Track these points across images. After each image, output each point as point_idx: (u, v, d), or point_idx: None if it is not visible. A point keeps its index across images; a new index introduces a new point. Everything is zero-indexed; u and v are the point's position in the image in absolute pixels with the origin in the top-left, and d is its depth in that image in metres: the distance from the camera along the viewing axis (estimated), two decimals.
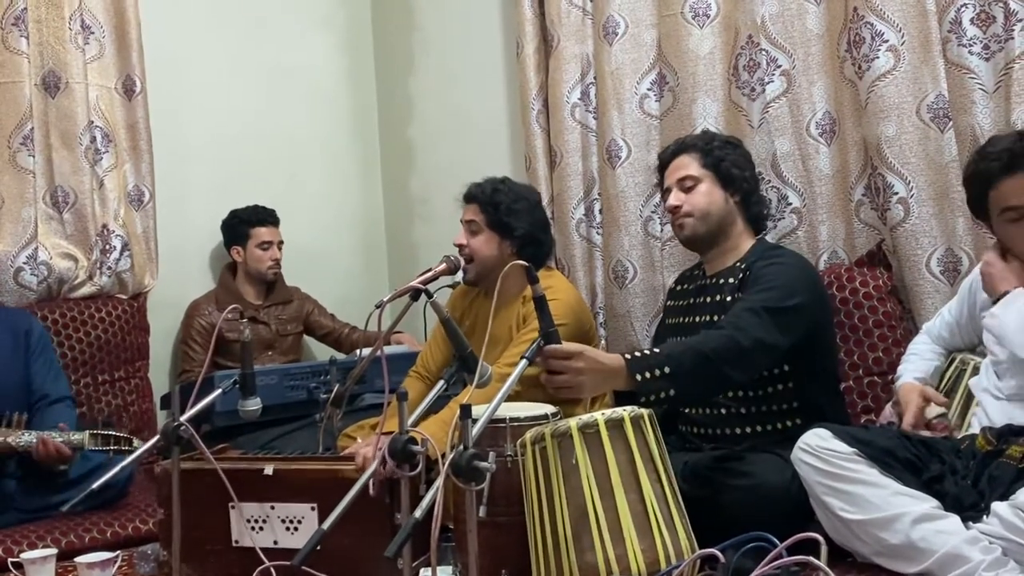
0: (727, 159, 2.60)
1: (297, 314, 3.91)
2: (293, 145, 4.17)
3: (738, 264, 2.56)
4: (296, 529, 2.34)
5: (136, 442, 2.78)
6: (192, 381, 2.71)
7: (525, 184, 3.12)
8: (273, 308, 3.84)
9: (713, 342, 2.23)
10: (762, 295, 2.36)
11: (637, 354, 2.17)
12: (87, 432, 2.74)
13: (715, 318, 2.48)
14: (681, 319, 2.67)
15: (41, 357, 2.98)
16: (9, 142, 3.31)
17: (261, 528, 2.37)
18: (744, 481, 2.22)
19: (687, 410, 2.59)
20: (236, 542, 2.40)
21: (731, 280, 2.54)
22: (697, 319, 2.59)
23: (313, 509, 2.33)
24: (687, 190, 2.61)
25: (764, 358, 2.31)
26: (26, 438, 2.70)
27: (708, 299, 2.58)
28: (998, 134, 2.28)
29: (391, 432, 2.23)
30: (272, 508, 2.36)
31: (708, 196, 2.59)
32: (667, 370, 2.15)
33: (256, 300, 3.82)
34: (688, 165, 2.63)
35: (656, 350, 2.20)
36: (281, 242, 3.84)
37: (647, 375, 2.14)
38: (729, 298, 2.49)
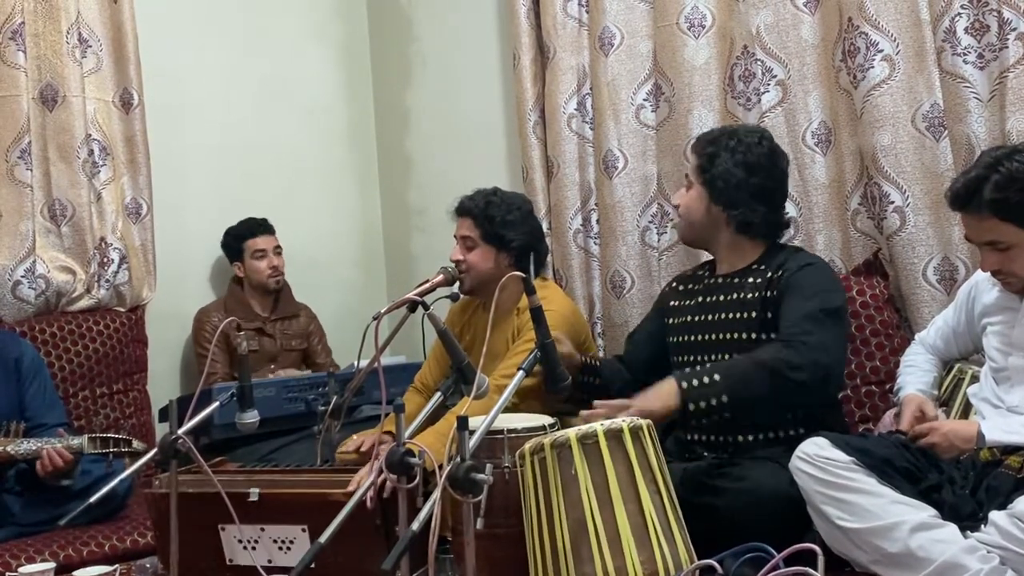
0: (717, 169, 2.50)
1: (303, 331, 3.90)
2: (290, 157, 4.17)
3: (755, 266, 2.53)
4: (289, 549, 2.33)
5: (136, 443, 2.77)
6: (205, 390, 2.70)
7: (517, 193, 3.09)
8: (280, 322, 3.83)
9: (771, 351, 2.28)
10: (815, 300, 2.34)
11: (686, 370, 2.27)
12: (86, 436, 2.73)
13: (734, 315, 2.49)
14: (692, 318, 2.61)
15: (34, 384, 2.93)
16: (7, 156, 3.31)
17: (254, 548, 2.36)
18: (741, 486, 2.22)
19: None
20: (230, 561, 2.40)
21: (751, 280, 2.50)
22: (711, 317, 2.55)
23: (304, 531, 2.32)
24: (688, 189, 2.60)
25: (831, 362, 2.32)
26: (25, 446, 2.70)
27: (724, 297, 2.54)
28: (986, 150, 2.30)
29: (389, 432, 2.24)
30: (263, 530, 2.35)
31: (692, 203, 2.57)
32: (716, 377, 2.21)
33: (263, 312, 3.82)
34: (690, 163, 2.61)
35: (707, 366, 2.29)
36: (278, 248, 3.82)
37: (694, 382, 2.21)
38: (750, 295, 2.47)
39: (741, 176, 2.48)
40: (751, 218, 2.51)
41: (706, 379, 2.22)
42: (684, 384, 2.22)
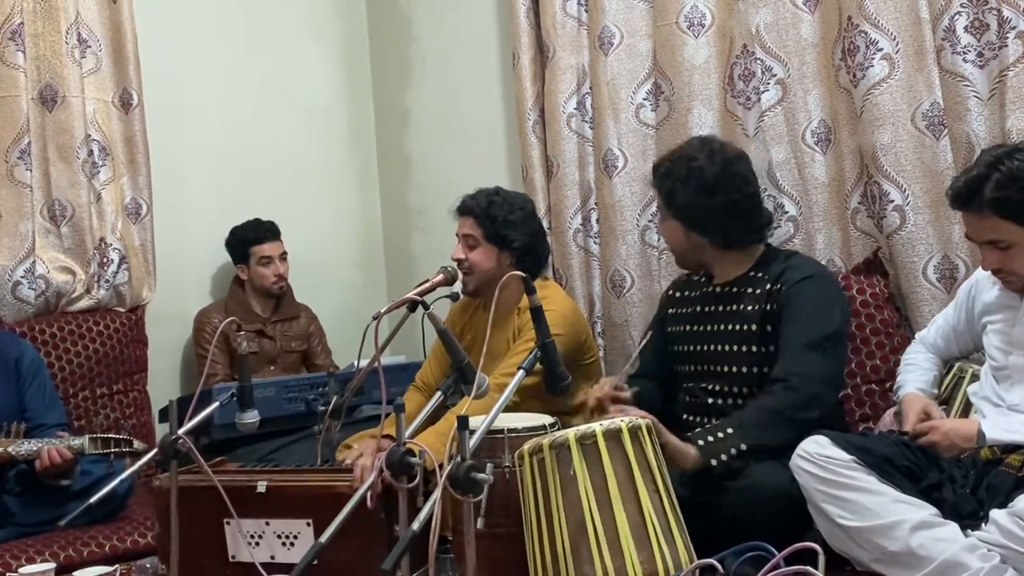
0: (679, 202, 2.51)
1: (303, 332, 3.89)
2: (290, 157, 4.17)
3: (753, 274, 2.53)
4: (292, 544, 2.33)
5: (137, 443, 2.77)
6: (205, 391, 2.71)
7: (519, 193, 3.10)
8: (280, 324, 3.83)
9: (779, 395, 2.29)
10: (813, 327, 2.36)
11: (698, 431, 2.25)
12: (87, 436, 2.73)
13: (734, 327, 2.49)
14: (690, 327, 2.62)
15: (33, 384, 2.94)
16: (6, 156, 3.31)
17: (257, 544, 2.36)
18: (742, 484, 2.22)
19: (689, 417, 2.58)
20: (233, 557, 2.40)
21: (749, 290, 2.50)
22: (710, 327, 2.55)
23: (309, 525, 2.32)
24: (664, 219, 2.64)
25: (834, 391, 2.42)
26: (26, 447, 2.70)
27: (723, 307, 2.55)
28: (986, 148, 2.30)
29: (388, 435, 2.24)
30: (267, 524, 2.35)
31: (672, 233, 2.61)
32: (730, 430, 2.22)
33: (264, 313, 3.82)
34: (657, 198, 2.67)
35: (717, 423, 2.29)
36: (284, 254, 3.82)
37: (709, 439, 2.22)
38: (750, 307, 2.47)
39: (705, 201, 2.48)
40: (731, 235, 2.53)
41: (720, 434, 2.23)
42: (700, 442, 2.22)
